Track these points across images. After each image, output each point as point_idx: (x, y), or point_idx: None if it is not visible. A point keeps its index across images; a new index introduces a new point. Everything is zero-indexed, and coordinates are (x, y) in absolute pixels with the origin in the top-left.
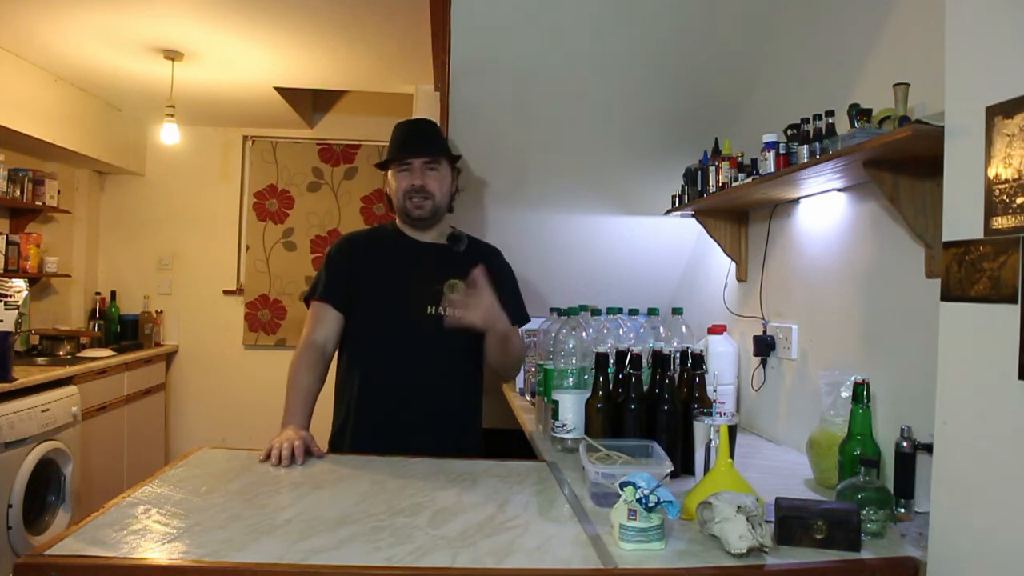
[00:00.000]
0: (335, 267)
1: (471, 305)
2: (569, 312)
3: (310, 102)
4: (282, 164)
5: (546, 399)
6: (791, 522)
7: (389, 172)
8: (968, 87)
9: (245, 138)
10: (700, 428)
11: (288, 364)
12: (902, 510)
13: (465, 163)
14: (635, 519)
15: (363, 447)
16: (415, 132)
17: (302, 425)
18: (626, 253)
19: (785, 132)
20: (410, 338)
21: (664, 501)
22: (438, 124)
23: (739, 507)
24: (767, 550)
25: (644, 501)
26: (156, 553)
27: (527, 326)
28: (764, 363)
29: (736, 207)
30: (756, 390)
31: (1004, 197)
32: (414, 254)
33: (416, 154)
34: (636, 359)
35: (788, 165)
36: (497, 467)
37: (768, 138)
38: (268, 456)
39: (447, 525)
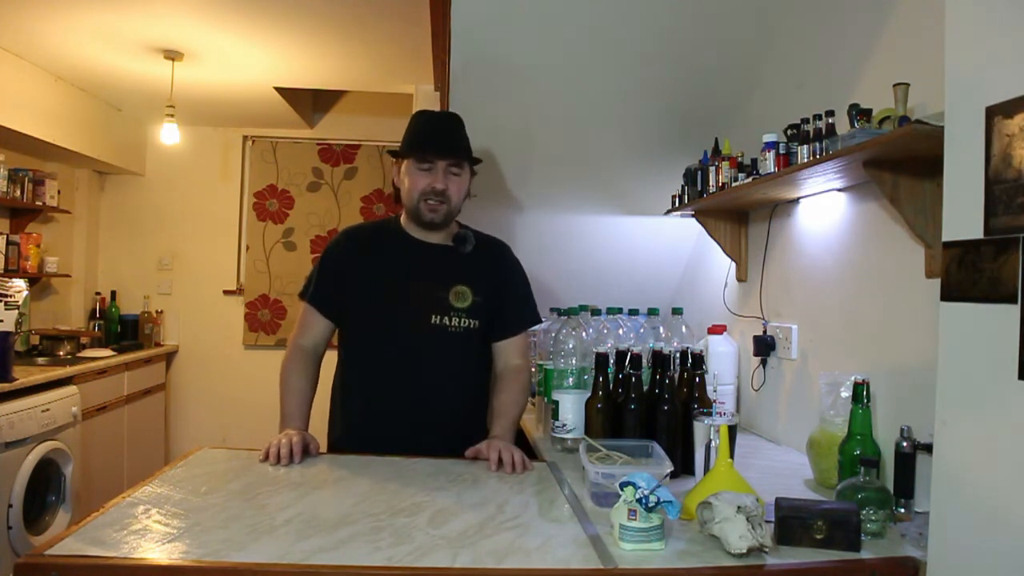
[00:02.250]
0: (329, 268)
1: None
2: (569, 312)
3: (310, 102)
4: (282, 164)
5: (546, 399)
6: (791, 522)
7: (403, 165)
8: (968, 87)
9: (245, 138)
10: (700, 428)
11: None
12: (902, 510)
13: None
14: (635, 519)
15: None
16: (443, 128)
17: (300, 426)
18: (626, 253)
19: (785, 132)
20: (413, 348)
21: (664, 501)
22: (461, 119)
23: (739, 507)
24: (767, 550)
25: (644, 501)
26: (156, 553)
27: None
28: (764, 363)
29: (736, 207)
30: (756, 390)
31: (1004, 197)
32: (418, 256)
33: (442, 154)
34: (636, 359)
35: (788, 165)
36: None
37: (768, 138)
38: (267, 456)
39: (447, 525)
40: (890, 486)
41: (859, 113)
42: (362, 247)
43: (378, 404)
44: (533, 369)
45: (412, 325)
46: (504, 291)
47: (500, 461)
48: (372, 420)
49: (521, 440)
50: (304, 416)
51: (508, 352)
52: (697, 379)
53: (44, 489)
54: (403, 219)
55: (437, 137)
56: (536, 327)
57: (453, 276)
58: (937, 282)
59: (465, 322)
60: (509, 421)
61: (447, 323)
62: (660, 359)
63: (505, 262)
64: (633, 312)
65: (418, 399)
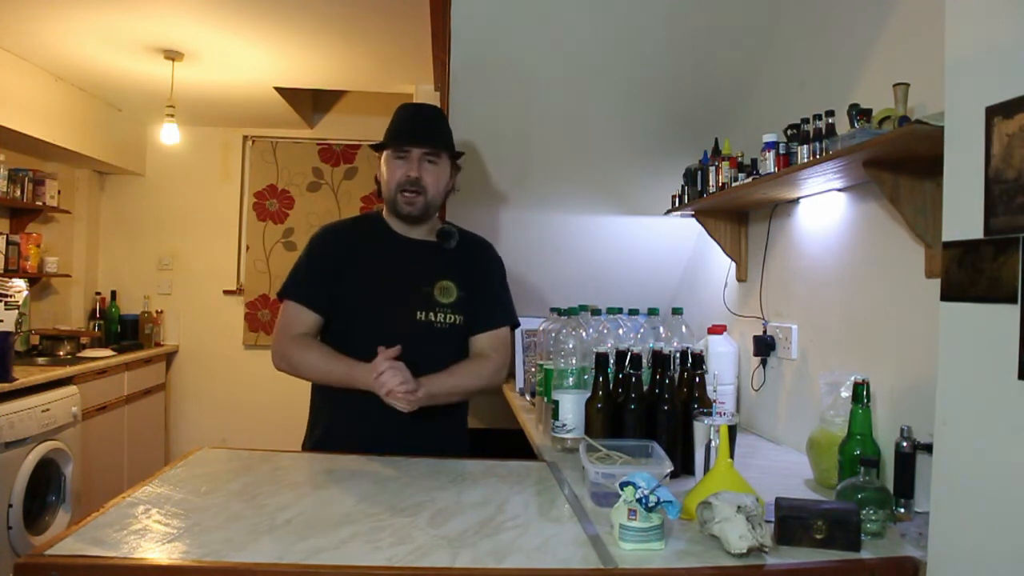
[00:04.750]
0: (316, 264)
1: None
2: (569, 312)
3: (310, 102)
4: (282, 164)
5: (546, 399)
6: (791, 522)
7: (383, 157)
8: (968, 87)
9: (245, 138)
10: (700, 428)
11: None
12: (902, 510)
13: (464, 163)
14: (635, 519)
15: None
16: (418, 118)
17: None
18: (626, 253)
19: (785, 132)
20: (399, 345)
21: (664, 501)
22: (443, 112)
23: (739, 507)
24: (767, 550)
25: (644, 501)
26: (156, 553)
27: (525, 326)
28: (764, 363)
29: (736, 207)
30: (756, 390)
31: (1004, 197)
32: (401, 252)
33: (415, 143)
34: (636, 359)
35: (788, 165)
36: (497, 467)
37: (768, 138)
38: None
39: (447, 525)
40: (890, 486)
41: (859, 113)
42: (346, 242)
43: (362, 402)
44: (532, 369)
45: (397, 321)
46: (484, 286)
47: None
48: (355, 418)
49: (521, 440)
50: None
51: (481, 344)
52: (697, 379)
53: (44, 489)
54: (385, 213)
55: (413, 127)
56: (536, 327)
57: (437, 272)
58: (937, 282)
59: (450, 318)
60: (445, 377)
61: (432, 319)
62: (660, 359)
63: (488, 260)
64: (633, 312)
65: None
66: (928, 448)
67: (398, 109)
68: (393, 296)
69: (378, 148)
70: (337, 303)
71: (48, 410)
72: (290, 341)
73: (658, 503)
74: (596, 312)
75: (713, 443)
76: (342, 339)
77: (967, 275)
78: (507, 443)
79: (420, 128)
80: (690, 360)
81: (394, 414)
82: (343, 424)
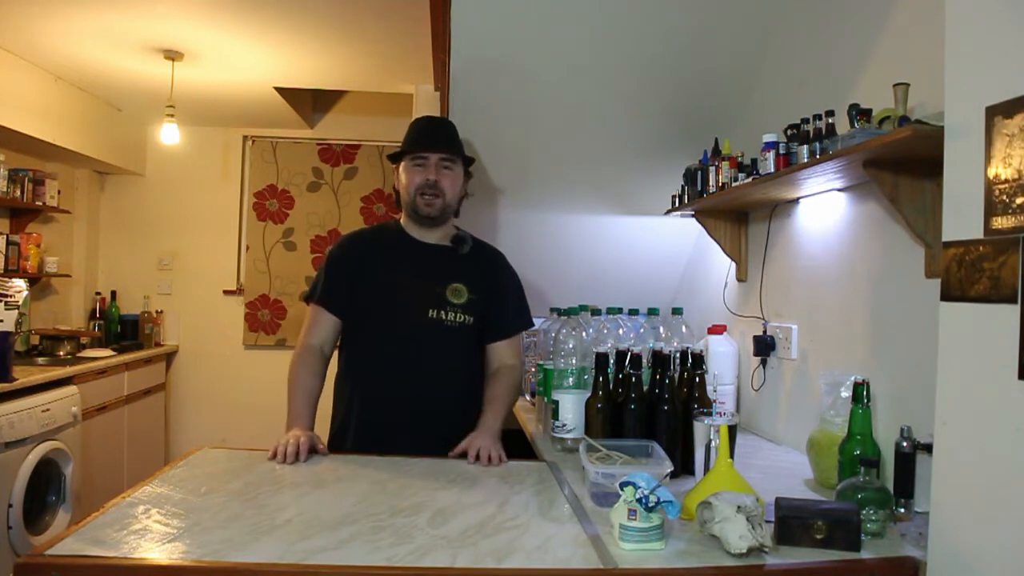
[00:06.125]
0: (334, 269)
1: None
2: (569, 312)
3: (310, 102)
4: (282, 164)
5: (546, 399)
6: (791, 522)
7: (401, 166)
8: (968, 87)
9: (245, 138)
10: (700, 428)
11: (288, 364)
12: (902, 510)
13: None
14: (635, 519)
15: (363, 448)
16: (434, 128)
17: (307, 426)
18: (626, 253)
19: (785, 132)
20: (410, 340)
21: (664, 501)
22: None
23: (739, 507)
24: (767, 550)
25: (644, 501)
26: (156, 553)
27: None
28: (764, 363)
29: (736, 207)
30: (756, 390)
31: (1004, 197)
32: (417, 255)
33: (433, 149)
34: (636, 359)
35: (788, 165)
36: (497, 467)
37: (768, 138)
38: (274, 455)
39: (447, 525)
40: (890, 486)
41: (859, 113)
42: (363, 248)
43: (376, 395)
44: (532, 369)
45: (409, 319)
46: (500, 295)
47: (478, 456)
48: (370, 411)
49: (521, 440)
50: (311, 415)
51: (502, 353)
52: (697, 379)
53: (44, 489)
54: (403, 220)
55: (428, 135)
56: (536, 327)
57: (450, 274)
58: (937, 282)
59: (461, 317)
60: (495, 412)
61: (443, 317)
62: (660, 359)
63: (501, 269)
64: (633, 312)
65: (414, 390)
66: (928, 448)
67: (413, 122)
68: (406, 294)
69: (395, 159)
70: (353, 303)
71: (48, 410)
72: (301, 351)
73: (658, 503)
74: (596, 312)
75: (713, 443)
76: (358, 335)
77: (967, 275)
78: (507, 443)
79: (435, 136)
80: (690, 360)
81: (414, 415)
82: (365, 415)
